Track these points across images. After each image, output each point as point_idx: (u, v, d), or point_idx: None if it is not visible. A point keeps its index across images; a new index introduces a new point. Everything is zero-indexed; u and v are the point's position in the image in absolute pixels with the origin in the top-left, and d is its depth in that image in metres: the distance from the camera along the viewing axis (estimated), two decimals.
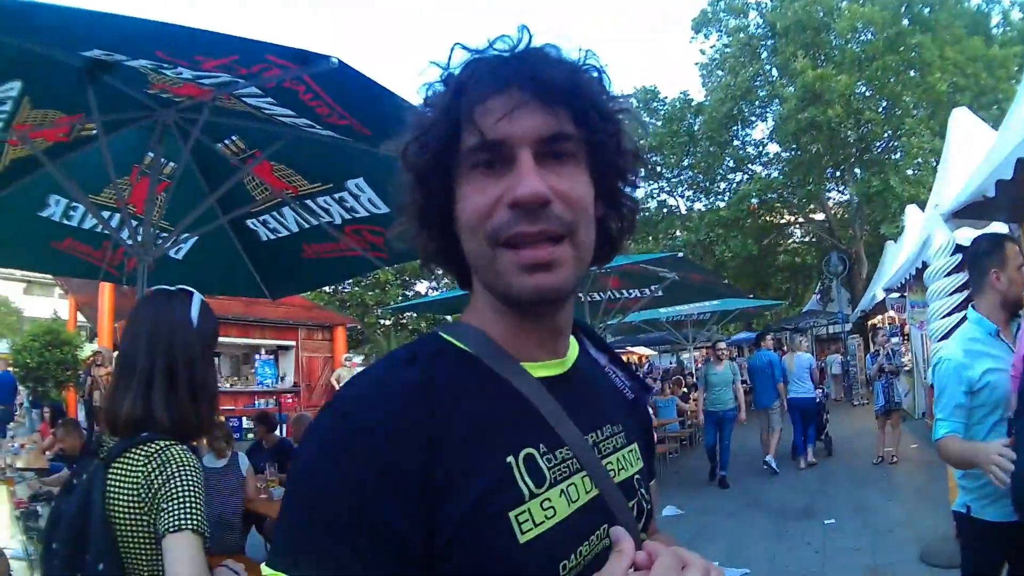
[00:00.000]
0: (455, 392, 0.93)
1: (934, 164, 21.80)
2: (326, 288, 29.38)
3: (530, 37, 0.97)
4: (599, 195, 1.02)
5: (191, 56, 2.89)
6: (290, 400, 20.81)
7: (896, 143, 26.39)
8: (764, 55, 30.25)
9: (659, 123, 33.69)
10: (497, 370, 0.99)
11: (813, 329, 29.95)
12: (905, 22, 25.22)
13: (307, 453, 0.89)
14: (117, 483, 1.85)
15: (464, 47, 0.98)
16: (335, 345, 23.39)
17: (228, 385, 20.04)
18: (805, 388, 12.17)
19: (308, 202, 4.88)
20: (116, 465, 1.88)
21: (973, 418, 3.03)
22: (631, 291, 12.34)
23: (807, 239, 35.56)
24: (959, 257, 6.97)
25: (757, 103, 31.06)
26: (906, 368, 14.50)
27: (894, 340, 15.42)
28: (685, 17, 36.48)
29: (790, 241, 36.13)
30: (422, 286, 34.43)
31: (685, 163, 33.96)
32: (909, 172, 24.44)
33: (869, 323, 23.10)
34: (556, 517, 0.92)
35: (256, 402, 19.43)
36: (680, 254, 11.82)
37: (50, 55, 3.24)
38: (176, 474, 1.84)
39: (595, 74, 1.00)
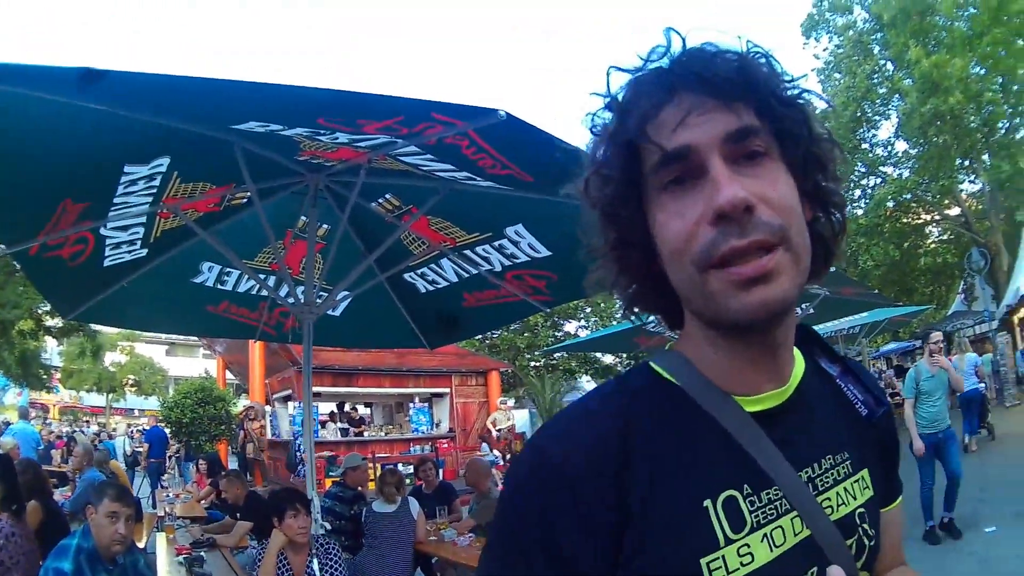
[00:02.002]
0: (656, 428, 0.89)
1: None
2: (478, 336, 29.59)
3: (682, 39, 0.90)
4: (804, 193, 0.93)
5: (353, 120, 2.89)
6: (446, 445, 21.08)
7: (1018, 120, 24.95)
8: (876, 50, 29.15)
9: None
10: (703, 404, 0.92)
11: (961, 331, 28.50)
12: None
13: (506, 487, 0.90)
14: None
15: (620, 68, 0.92)
16: (489, 390, 23.44)
17: (383, 434, 20.58)
18: (972, 382, 13.30)
19: (467, 252, 4.84)
20: None
21: None
22: None
23: (945, 237, 34.10)
24: None
25: (879, 101, 29.95)
26: None
27: None
28: (795, 23, 35.50)
29: (929, 242, 34.67)
30: (571, 326, 34.32)
31: None
32: None
33: (1015, 317, 21.78)
34: (754, 563, 0.86)
35: (412, 448, 19.69)
36: (832, 268, 11.27)
37: (199, 132, 3.32)
38: None
39: (763, 59, 0.91)
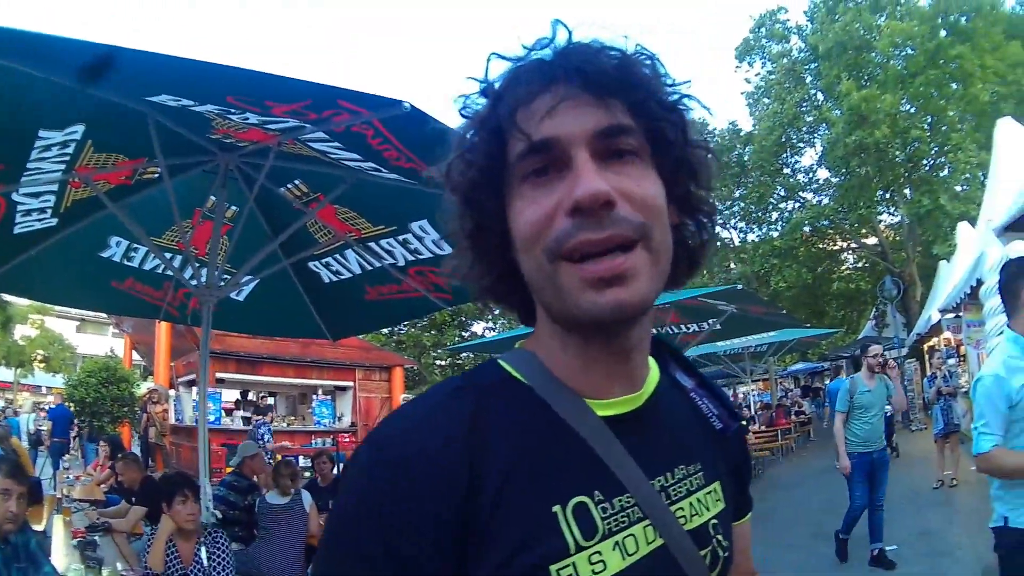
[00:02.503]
0: (505, 429, 0.85)
1: (982, 179, 21.50)
2: (383, 330, 29.47)
3: (568, 32, 0.88)
4: (672, 198, 0.91)
5: (261, 101, 2.87)
6: (347, 439, 20.78)
7: (943, 159, 25.87)
8: (808, 79, 30.01)
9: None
10: (553, 406, 0.89)
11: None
12: (943, 34, 24.81)
13: (344, 485, 0.86)
14: None
15: (501, 56, 0.90)
16: (392, 386, 23.35)
17: (285, 424, 20.24)
18: None
19: (372, 244, 4.82)
20: None
21: (1011, 432, 3.06)
22: (689, 326, 12.12)
23: (860, 264, 35.08)
24: None
25: (805, 129, 30.76)
26: (963, 389, 14.24)
27: (951, 361, 15.20)
28: (729, 46, 35.98)
29: (843, 268, 35.63)
30: (479, 327, 34.24)
31: (736, 194, 33.78)
32: (958, 188, 24.05)
33: (925, 346, 22.56)
34: (606, 572, 0.83)
35: (313, 441, 19.37)
36: (739, 286, 11.46)
37: (114, 100, 3.26)
38: None
39: (648, 60, 0.90)
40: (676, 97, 0.91)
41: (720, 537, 0.99)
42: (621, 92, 0.85)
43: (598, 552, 0.83)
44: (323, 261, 5.30)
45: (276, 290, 5.64)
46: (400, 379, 23.89)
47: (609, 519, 0.85)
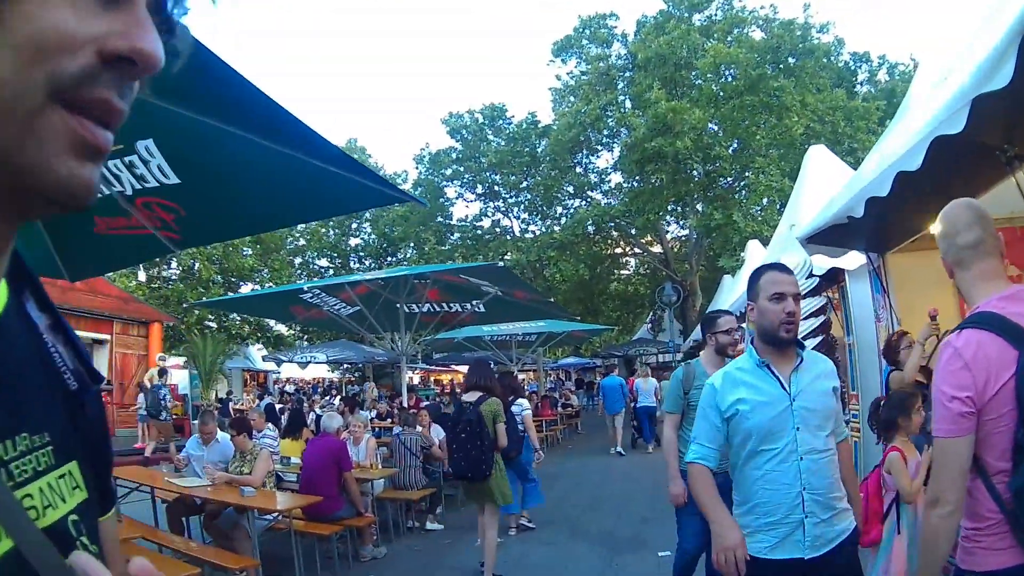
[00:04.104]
0: None
1: (779, 205, 22.41)
2: (141, 278, 27.17)
3: None
4: None
5: None
6: (104, 399, 19.21)
7: (743, 181, 26.60)
8: (620, 85, 30.19)
9: (502, 142, 33.59)
10: None
11: (643, 357, 30.29)
12: (769, 69, 25.46)
13: None
14: None
15: None
16: (150, 342, 22.08)
17: None
18: (650, 401, 17.32)
19: None
20: None
21: (732, 445, 3.05)
22: (451, 304, 11.89)
23: (641, 270, 36.17)
24: (815, 280, 6.47)
25: (606, 132, 30.98)
26: None
27: None
28: (547, 42, 36.24)
29: (623, 271, 36.64)
30: (247, 288, 31.70)
31: (524, 185, 33.85)
32: (756, 209, 24.87)
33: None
34: None
35: None
36: (500, 263, 11.18)
37: None
38: None
39: None
40: None
41: (85, 539, 0.74)
42: None
43: None
44: None
45: None
46: (159, 336, 22.49)
47: None
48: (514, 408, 8.89)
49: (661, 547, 7.26)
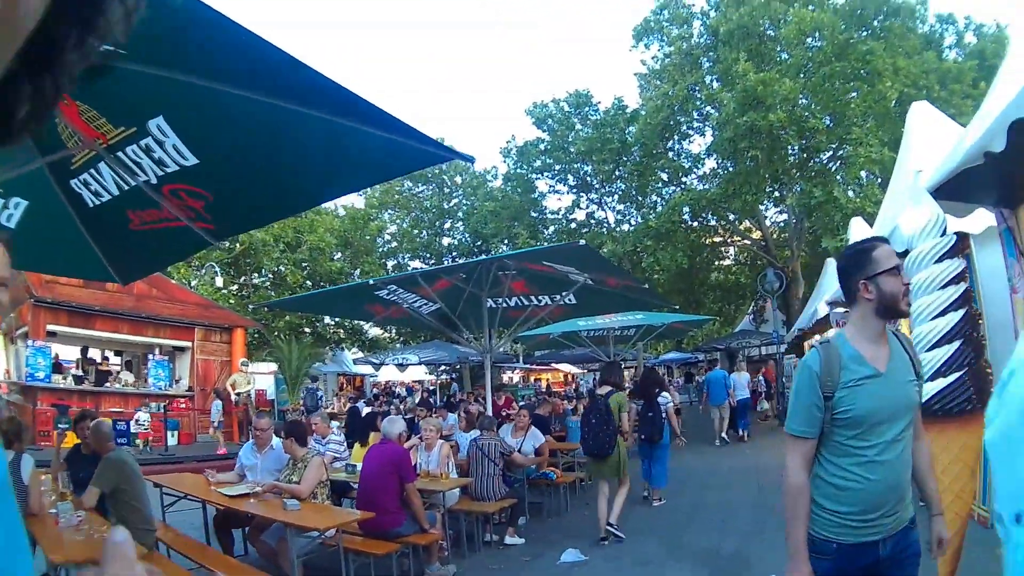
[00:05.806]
0: None
1: (879, 181, 20.98)
2: (218, 283, 27.07)
3: None
4: None
5: None
6: (183, 405, 19.34)
7: (841, 152, 25.08)
8: (706, 65, 28.83)
9: (590, 130, 32.63)
10: None
11: (745, 350, 29.01)
12: (856, 34, 23.92)
13: None
14: None
15: None
16: (233, 348, 22.11)
17: (120, 385, 18.86)
18: (744, 394, 19.52)
19: (120, 154, 3.64)
20: None
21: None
22: (539, 297, 11.20)
23: (742, 258, 34.69)
24: (952, 239, 5.15)
25: (696, 115, 29.77)
26: None
27: None
28: (628, 25, 35.09)
29: (723, 260, 35.17)
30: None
31: (616, 173, 32.76)
32: (855, 185, 23.54)
33: (807, 343, 22.02)
34: None
35: (148, 405, 18.23)
36: (582, 242, 10.36)
37: None
38: None
39: None
40: None
41: None
42: None
43: None
44: (81, 179, 4.13)
45: (50, 215, 4.36)
46: (242, 341, 22.50)
47: None
48: (660, 399, 10.67)
49: (766, 569, 6.49)
